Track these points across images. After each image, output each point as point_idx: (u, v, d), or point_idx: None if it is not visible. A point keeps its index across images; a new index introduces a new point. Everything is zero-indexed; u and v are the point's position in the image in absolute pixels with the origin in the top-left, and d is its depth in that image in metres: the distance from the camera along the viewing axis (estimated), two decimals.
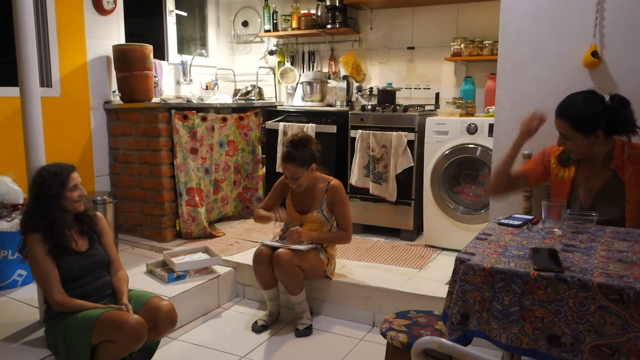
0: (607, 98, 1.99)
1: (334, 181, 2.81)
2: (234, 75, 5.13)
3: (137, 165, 3.70)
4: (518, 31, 2.42)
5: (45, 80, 3.43)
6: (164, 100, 3.80)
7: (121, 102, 3.73)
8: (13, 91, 2.78)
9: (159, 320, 2.11)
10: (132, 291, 2.25)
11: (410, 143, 3.63)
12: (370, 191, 3.78)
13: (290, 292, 2.69)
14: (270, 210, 2.82)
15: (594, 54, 2.21)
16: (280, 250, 2.63)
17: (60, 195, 2.10)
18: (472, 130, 3.36)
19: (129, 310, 2.08)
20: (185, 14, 4.76)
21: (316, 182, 2.81)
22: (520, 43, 2.42)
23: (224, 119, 4.02)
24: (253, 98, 4.59)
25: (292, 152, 2.66)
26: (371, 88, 4.43)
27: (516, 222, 1.86)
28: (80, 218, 2.21)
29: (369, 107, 3.95)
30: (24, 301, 2.66)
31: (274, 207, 2.84)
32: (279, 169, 4.05)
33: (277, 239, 2.84)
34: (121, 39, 3.90)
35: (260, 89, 4.76)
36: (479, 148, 3.35)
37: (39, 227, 2.07)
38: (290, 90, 4.90)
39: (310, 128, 4.00)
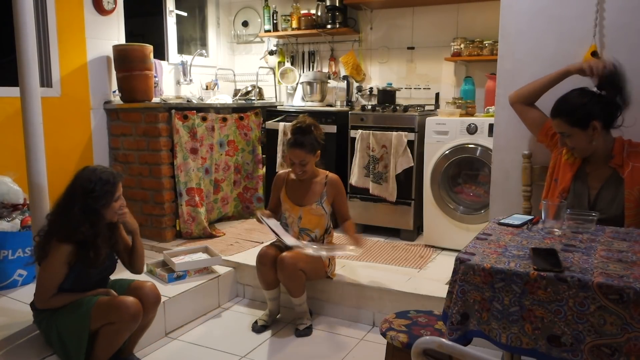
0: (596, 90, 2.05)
1: (332, 175, 2.85)
2: (234, 75, 5.13)
3: (137, 165, 3.70)
4: (518, 31, 2.42)
5: (45, 80, 3.42)
6: (164, 100, 3.81)
7: (121, 102, 3.73)
8: (13, 91, 2.77)
9: (144, 298, 2.13)
10: (112, 280, 2.29)
11: (410, 143, 3.63)
12: (370, 191, 3.78)
13: (292, 294, 2.70)
14: (276, 210, 2.90)
15: (594, 54, 2.21)
16: (284, 254, 2.63)
17: (109, 205, 2.01)
18: (472, 130, 3.36)
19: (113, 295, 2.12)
20: (185, 14, 4.76)
21: (313, 175, 2.83)
22: (520, 43, 2.42)
23: (224, 119, 4.02)
24: (253, 98, 4.59)
25: (300, 138, 2.69)
26: (371, 88, 4.42)
27: (516, 222, 1.85)
28: (110, 228, 2.16)
29: (369, 107, 3.95)
30: (24, 301, 2.65)
31: (279, 206, 2.91)
32: (279, 168, 4.06)
33: (303, 242, 2.74)
34: (121, 39, 3.90)
35: (260, 89, 4.76)
36: (479, 148, 3.35)
37: (77, 237, 1.96)
38: (290, 90, 4.90)
39: None
